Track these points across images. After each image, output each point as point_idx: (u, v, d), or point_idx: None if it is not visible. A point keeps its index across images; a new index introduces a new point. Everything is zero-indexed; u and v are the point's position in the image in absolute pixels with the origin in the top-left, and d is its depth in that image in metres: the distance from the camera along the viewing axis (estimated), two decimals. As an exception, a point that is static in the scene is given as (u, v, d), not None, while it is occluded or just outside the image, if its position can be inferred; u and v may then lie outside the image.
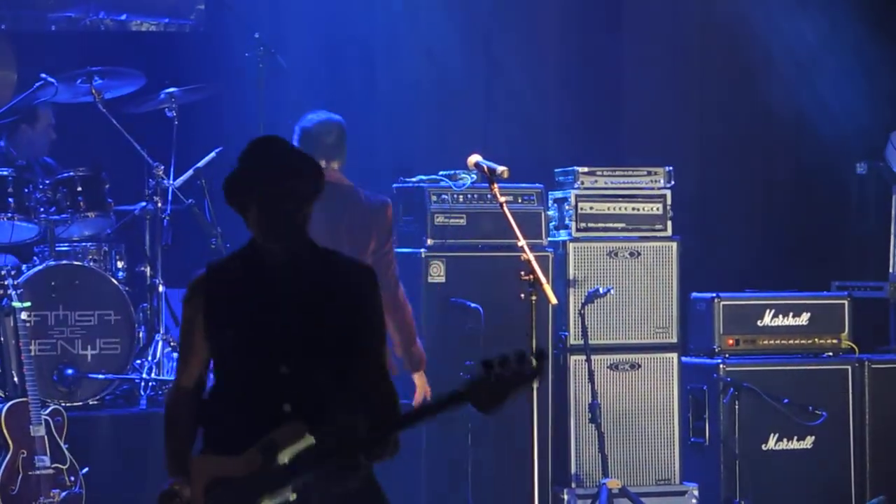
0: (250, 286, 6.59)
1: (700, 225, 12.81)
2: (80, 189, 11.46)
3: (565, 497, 11.41)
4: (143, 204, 11.78)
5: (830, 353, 12.43)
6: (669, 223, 12.11)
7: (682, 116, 14.27)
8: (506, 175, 10.47)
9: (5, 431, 10.18)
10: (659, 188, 12.16)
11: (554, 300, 10.63)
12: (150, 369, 11.66)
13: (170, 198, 11.95)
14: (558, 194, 12.04)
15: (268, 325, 6.60)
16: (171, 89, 11.96)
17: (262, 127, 12.08)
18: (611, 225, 12.07)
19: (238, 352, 6.64)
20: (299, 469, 5.91)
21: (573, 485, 11.53)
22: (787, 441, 12.01)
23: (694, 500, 11.29)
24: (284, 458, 5.96)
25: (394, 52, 13.59)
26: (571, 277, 11.75)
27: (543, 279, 10.35)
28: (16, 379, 10.51)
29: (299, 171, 6.66)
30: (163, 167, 11.93)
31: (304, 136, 10.41)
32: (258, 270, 6.61)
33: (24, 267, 11.18)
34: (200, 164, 12.12)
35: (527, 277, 10.37)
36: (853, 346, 12.39)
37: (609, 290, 11.53)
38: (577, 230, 11.89)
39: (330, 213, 9.43)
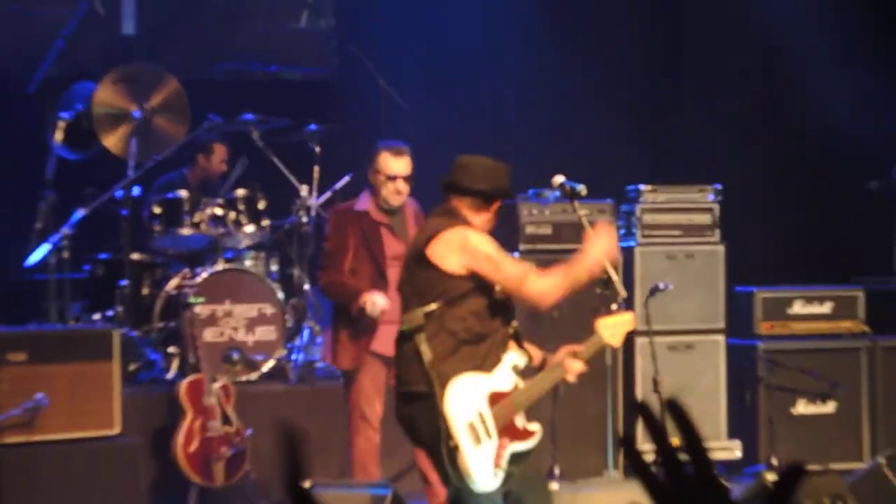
0: None
1: (743, 231, 12.67)
2: (241, 208, 11.51)
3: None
4: (292, 218, 11.81)
5: (848, 336, 12.39)
6: (717, 231, 12.12)
7: (727, 139, 14.14)
8: (584, 193, 10.61)
9: (186, 401, 10.38)
10: (708, 202, 12.18)
11: (624, 294, 10.83)
12: (298, 351, 11.66)
13: (312, 213, 11.87)
14: (626, 208, 12.06)
15: None
16: (313, 126, 11.98)
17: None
18: (669, 233, 12.13)
19: None
20: None
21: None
22: (813, 406, 12.05)
23: (738, 453, 11.38)
24: None
25: (489, 93, 13.64)
26: (638, 276, 11.83)
27: (615, 277, 10.64)
28: (192, 360, 10.65)
29: None
30: (307, 188, 11.91)
31: None
32: None
33: (196, 270, 11.28)
34: (337, 186, 12.06)
35: (603, 276, 10.74)
36: (867, 329, 12.40)
37: (668, 286, 11.28)
38: (643, 237, 11.99)
39: None
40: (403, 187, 10.01)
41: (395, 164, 9.98)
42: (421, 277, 7.77)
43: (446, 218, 7.87)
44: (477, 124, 12.64)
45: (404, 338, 7.78)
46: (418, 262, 7.80)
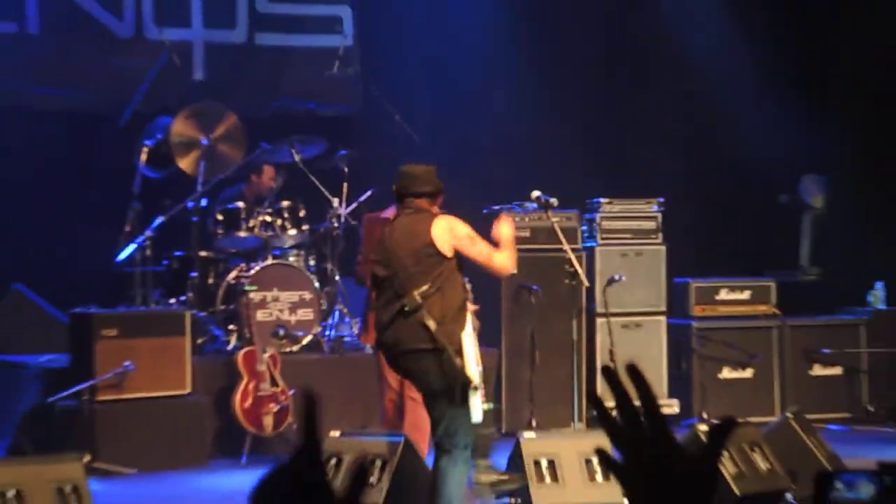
0: None
1: (681, 234, 12.53)
2: (286, 216, 11.53)
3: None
4: (326, 224, 11.73)
5: (763, 317, 12.42)
6: (660, 234, 12.16)
7: (669, 159, 13.93)
8: (555, 204, 10.69)
9: (242, 367, 10.38)
10: (653, 211, 12.21)
11: (586, 283, 10.93)
12: (330, 329, 11.62)
13: (342, 220, 11.77)
14: (589, 216, 12.03)
15: None
16: (342, 152, 11.92)
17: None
18: (622, 236, 12.12)
19: None
20: None
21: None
22: (735, 372, 12.11)
23: (676, 409, 11.31)
24: None
25: (481, 127, 13.45)
26: (598, 270, 11.77)
27: (580, 270, 10.62)
28: (247, 335, 10.62)
29: None
30: (337, 200, 11.83)
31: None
32: None
33: (251, 264, 11.25)
34: (361, 198, 11.96)
35: (570, 269, 10.64)
36: (777, 312, 12.44)
37: (622, 278, 11.46)
38: (601, 239, 11.98)
39: None
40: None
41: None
42: (429, 262, 7.62)
43: (424, 214, 7.79)
44: (471, 149, 12.66)
45: (405, 314, 7.60)
46: (424, 250, 7.65)
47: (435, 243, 7.63)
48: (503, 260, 7.84)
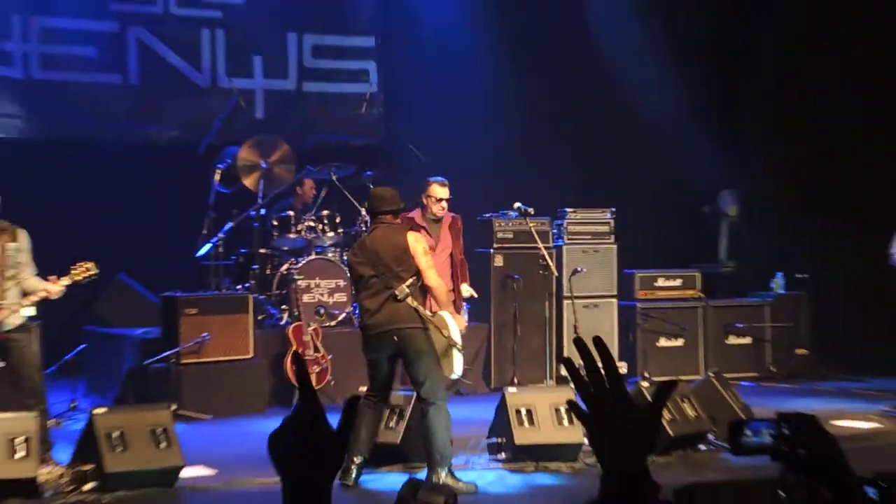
0: None
1: (628, 235, 12.38)
2: (325, 222, 11.43)
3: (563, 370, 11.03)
4: (356, 227, 11.59)
5: (690, 299, 12.39)
6: (613, 236, 12.10)
7: (620, 173, 13.85)
8: (532, 212, 10.77)
9: (292, 338, 10.31)
10: (607, 218, 12.18)
11: (556, 273, 11.03)
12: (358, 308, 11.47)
13: (368, 224, 10.88)
14: (558, 222, 11.96)
15: None
16: (368, 172, 11.75)
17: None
18: (584, 237, 12.06)
19: None
20: None
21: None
22: (669, 341, 12.11)
23: (625, 370, 11.03)
24: None
25: (476, 153, 13.26)
26: (565, 263, 11.70)
27: (551, 263, 10.68)
28: (296, 313, 10.51)
29: None
30: (364, 209, 11.35)
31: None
32: None
33: (299, 259, 11.11)
34: None
35: (543, 263, 10.66)
36: (702, 295, 12.43)
37: (583, 269, 11.55)
38: (567, 240, 11.94)
39: None
40: (445, 205, 9.85)
41: (442, 191, 9.83)
42: (408, 263, 7.55)
43: (395, 227, 7.79)
44: (468, 169, 12.23)
45: (397, 299, 7.55)
46: (405, 253, 7.60)
47: (409, 249, 7.62)
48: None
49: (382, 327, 7.65)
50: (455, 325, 7.93)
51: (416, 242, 7.74)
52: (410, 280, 7.58)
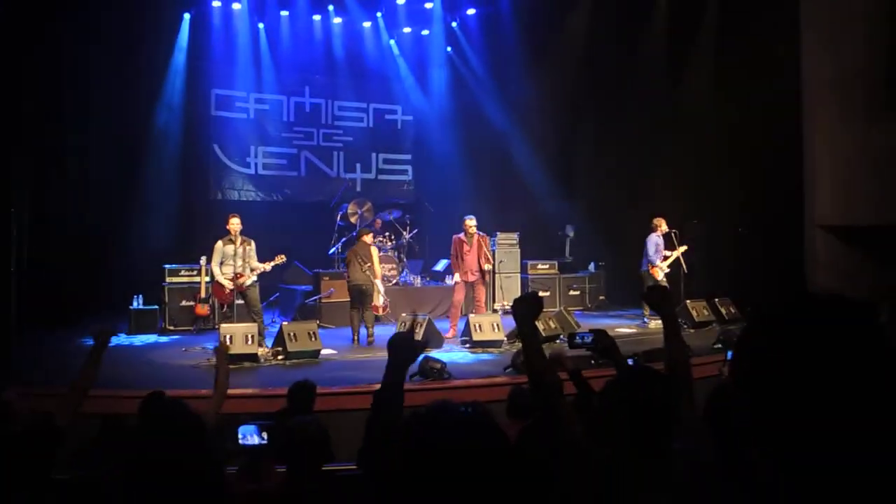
0: None
1: (527, 244, 11.11)
2: (385, 236, 10.81)
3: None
4: (401, 241, 10.94)
5: (552, 274, 11.31)
6: (518, 244, 10.99)
7: (517, 211, 12.01)
8: (482, 233, 8.90)
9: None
10: (515, 237, 10.94)
11: (492, 262, 9.27)
12: (402, 278, 10.64)
13: (408, 239, 10.97)
14: (493, 238, 10.63)
15: None
16: (408, 216, 11.23)
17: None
18: (504, 246, 10.92)
19: None
20: None
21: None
22: (542, 293, 10.20)
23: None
24: None
25: (471, 200, 11.56)
26: (496, 257, 10.33)
27: (490, 259, 8.95)
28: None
29: None
30: (405, 233, 10.96)
31: None
32: None
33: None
34: (412, 233, 11.09)
35: (488, 259, 9.00)
36: (558, 272, 11.36)
37: (504, 261, 10.61)
38: (498, 246, 10.74)
39: None
40: (474, 231, 8.54)
41: (471, 222, 8.64)
42: (371, 259, 7.60)
43: (366, 243, 7.67)
44: (452, 210, 10.87)
45: (366, 274, 7.54)
46: (371, 256, 7.62)
47: (372, 255, 7.83)
48: (376, 264, 7.41)
49: (363, 285, 7.75)
50: (381, 285, 7.85)
51: (374, 249, 7.66)
52: (368, 264, 7.78)
